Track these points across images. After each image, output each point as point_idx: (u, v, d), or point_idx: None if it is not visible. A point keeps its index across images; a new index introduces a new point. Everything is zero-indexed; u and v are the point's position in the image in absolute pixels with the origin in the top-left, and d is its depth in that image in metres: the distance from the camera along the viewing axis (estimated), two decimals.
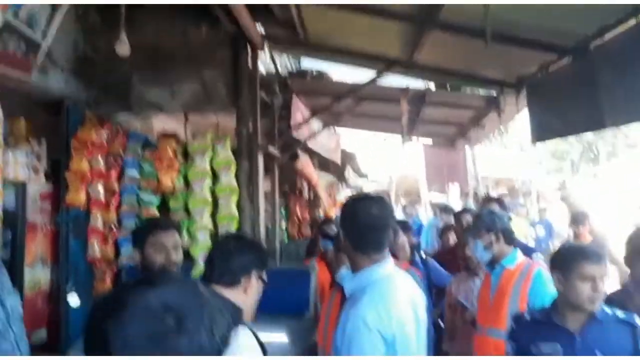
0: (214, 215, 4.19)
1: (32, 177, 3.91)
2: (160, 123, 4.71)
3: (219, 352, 0.92)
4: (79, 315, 4.08)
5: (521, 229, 11.40)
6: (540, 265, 3.07)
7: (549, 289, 2.73)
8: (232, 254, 1.90)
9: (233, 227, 4.14)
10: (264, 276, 1.94)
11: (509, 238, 3.09)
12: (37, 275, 4.00)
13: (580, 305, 2.29)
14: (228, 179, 4.18)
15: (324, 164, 7.56)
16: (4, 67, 3.32)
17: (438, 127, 6.31)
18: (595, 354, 2.25)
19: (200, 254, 4.11)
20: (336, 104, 4.74)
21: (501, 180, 21.91)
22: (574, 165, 37.27)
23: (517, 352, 2.62)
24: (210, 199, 4.16)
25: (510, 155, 23.40)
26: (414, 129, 5.87)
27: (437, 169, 12.30)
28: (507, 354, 2.70)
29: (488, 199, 4.77)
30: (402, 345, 1.80)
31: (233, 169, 4.20)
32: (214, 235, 4.14)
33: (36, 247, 3.98)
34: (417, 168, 14.70)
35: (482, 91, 4.71)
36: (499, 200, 4.59)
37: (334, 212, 8.96)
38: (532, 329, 2.47)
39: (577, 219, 6.14)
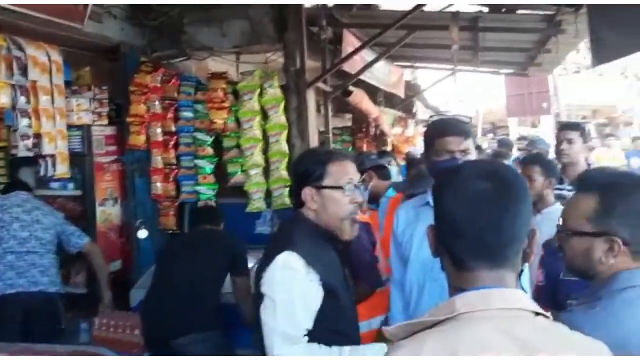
0: (265, 152, 4.31)
1: (96, 121, 4.21)
2: (214, 64, 4.83)
3: None
4: (148, 247, 4.45)
5: (615, 161, 10.68)
6: None
7: None
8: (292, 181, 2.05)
9: (284, 164, 4.25)
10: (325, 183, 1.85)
11: (383, 174, 3.54)
12: (109, 211, 4.37)
13: None
14: (277, 116, 4.25)
15: (389, 99, 7.45)
16: (58, 17, 3.57)
17: (501, 54, 5.94)
18: None
19: (253, 190, 4.27)
20: (387, 35, 4.60)
21: (599, 109, 20.46)
22: None
23: (548, 280, 2.56)
24: (260, 136, 4.27)
25: (609, 83, 21.65)
26: (476, 58, 5.59)
27: (518, 99, 11.75)
28: (539, 282, 2.64)
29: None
30: None
31: (282, 107, 4.25)
32: (266, 172, 4.28)
33: (105, 185, 4.34)
34: (502, 99, 14.08)
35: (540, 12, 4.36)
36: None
37: (405, 148, 8.88)
38: (561, 257, 2.39)
39: None
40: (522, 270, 1.05)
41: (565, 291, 2.42)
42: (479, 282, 1.00)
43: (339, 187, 1.83)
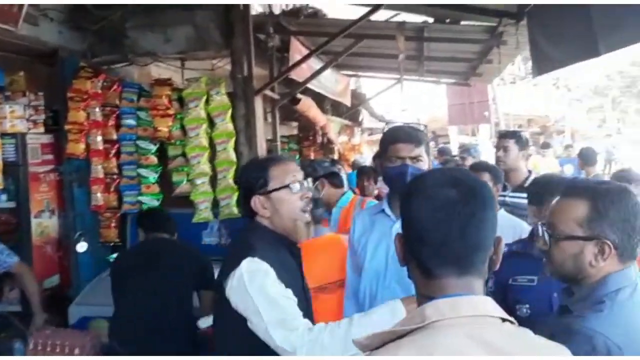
0: (212, 160, 4.21)
1: (31, 129, 3.99)
2: (158, 70, 4.70)
3: None
4: (87, 260, 4.25)
5: (550, 168, 11.17)
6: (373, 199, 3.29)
7: None
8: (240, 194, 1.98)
9: (232, 172, 4.16)
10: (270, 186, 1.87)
11: (335, 182, 3.36)
12: (45, 223, 4.15)
13: None
14: (224, 124, 4.16)
15: (336, 107, 7.49)
16: None
17: (445, 64, 6.10)
18: None
19: (199, 200, 4.15)
20: (334, 44, 4.61)
21: (534, 118, 21.39)
22: (614, 102, 36.01)
23: (497, 286, 2.61)
24: (207, 144, 4.17)
25: (543, 94, 22.73)
26: (422, 67, 5.71)
27: (460, 108, 12.12)
28: (488, 288, 2.68)
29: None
30: None
31: (229, 114, 4.17)
32: (213, 181, 4.18)
33: (41, 197, 4.11)
34: (443, 108, 14.47)
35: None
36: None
37: (352, 156, 8.96)
38: (510, 262, 2.43)
39: (583, 157, 5.92)
40: (488, 278, 1.06)
41: (514, 296, 2.48)
42: (447, 289, 1.00)
43: (286, 187, 1.85)
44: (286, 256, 1.85)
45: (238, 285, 1.70)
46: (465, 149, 8.22)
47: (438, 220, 1.01)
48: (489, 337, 0.93)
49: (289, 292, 1.73)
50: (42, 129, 4.09)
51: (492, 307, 0.99)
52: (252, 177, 1.88)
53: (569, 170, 11.07)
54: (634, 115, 34.87)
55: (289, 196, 1.85)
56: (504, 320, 0.98)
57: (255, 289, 1.67)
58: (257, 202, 1.85)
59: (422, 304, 1.01)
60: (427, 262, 1.02)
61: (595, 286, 1.43)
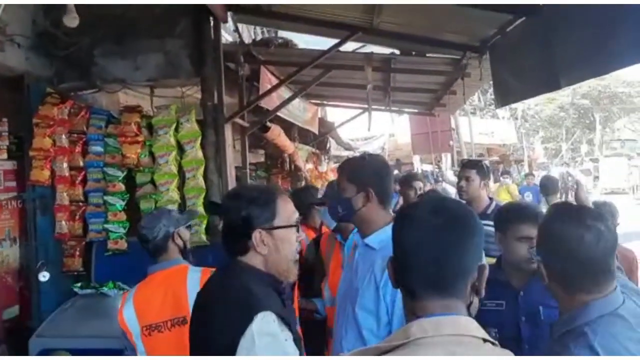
0: (181, 188, 4.18)
1: None
2: (126, 97, 4.67)
3: None
4: (49, 291, 4.11)
5: (510, 196, 11.48)
6: None
7: None
8: (228, 226, 1.74)
9: (201, 200, 4.14)
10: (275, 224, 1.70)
11: None
12: (5, 252, 4.02)
13: (518, 264, 2.33)
14: (194, 151, 4.15)
15: (303, 135, 7.56)
16: None
17: (411, 94, 6.27)
18: (538, 310, 2.29)
19: None
20: (303, 73, 4.69)
21: (493, 147, 22.00)
22: (568, 132, 37.46)
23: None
24: (176, 172, 4.15)
25: (502, 124, 23.45)
26: (388, 97, 5.85)
27: (424, 137, 12.39)
28: None
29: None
30: None
31: (199, 141, 4.17)
32: (182, 208, 4.14)
33: (2, 224, 3.99)
34: (406, 137, 14.75)
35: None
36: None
37: (319, 184, 9.00)
38: None
39: (543, 187, 6.12)
40: (471, 302, 1.10)
41: (483, 320, 2.53)
42: (429, 310, 1.06)
43: (293, 226, 1.71)
44: (277, 298, 1.67)
45: (249, 347, 1.49)
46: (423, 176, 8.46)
47: (421, 245, 1.08)
48: (469, 356, 0.97)
49: (296, 353, 1.60)
50: (5, 156, 4.02)
51: (474, 328, 1.04)
52: (257, 208, 1.67)
53: (528, 198, 11.40)
54: (585, 145, 36.37)
55: (291, 236, 1.71)
56: (485, 340, 1.02)
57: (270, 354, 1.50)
58: (257, 237, 1.65)
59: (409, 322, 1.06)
60: (411, 285, 1.10)
61: (576, 313, 1.51)
